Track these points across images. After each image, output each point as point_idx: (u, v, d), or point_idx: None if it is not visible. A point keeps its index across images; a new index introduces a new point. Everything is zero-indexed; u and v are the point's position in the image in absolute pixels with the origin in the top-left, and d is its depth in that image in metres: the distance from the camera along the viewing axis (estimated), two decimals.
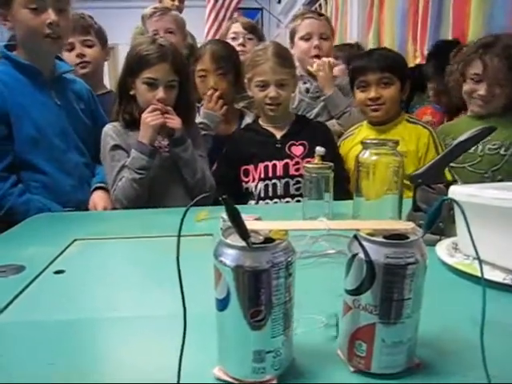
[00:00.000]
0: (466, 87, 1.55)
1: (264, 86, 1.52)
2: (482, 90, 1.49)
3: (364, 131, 1.63)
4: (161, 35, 2.05)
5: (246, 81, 1.61)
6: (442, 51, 1.93)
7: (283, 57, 1.54)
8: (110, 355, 0.59)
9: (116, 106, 1.49)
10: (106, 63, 2.08)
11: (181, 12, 2.81)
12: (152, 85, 1.41)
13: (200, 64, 1.78)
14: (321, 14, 2.10)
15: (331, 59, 1.89)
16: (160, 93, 1.41)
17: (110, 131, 1.47)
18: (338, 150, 1.63)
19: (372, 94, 1.54)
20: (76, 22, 1.80)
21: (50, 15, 1.34)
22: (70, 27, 1.53)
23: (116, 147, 1.45)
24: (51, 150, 1.41)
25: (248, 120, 1.79)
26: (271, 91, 1.51)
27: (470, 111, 1.60)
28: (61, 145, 1.44)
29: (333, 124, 1.81)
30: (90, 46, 1.87)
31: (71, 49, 1.83)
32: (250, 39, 2.27)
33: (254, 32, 2.32)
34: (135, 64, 1.43)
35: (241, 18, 2.52)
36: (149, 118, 1.38)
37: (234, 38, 2.26)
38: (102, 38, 1.94)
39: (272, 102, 1.52)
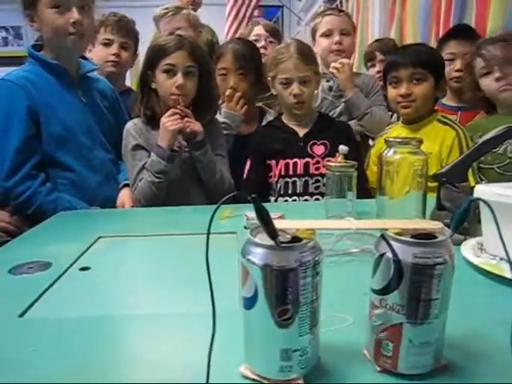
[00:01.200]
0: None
1: (287, 83, 1.52)
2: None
3: (396, 130, 1.61)
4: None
5: (269, 79, 1.60)
6: None
7: (306, 54, 1.53)
8: (137, 353, 0.59)
9: (138, 101, 1.51)
10: None
11: (198, 7, 2.83)
12: (170, 72, 1.43)
13: (221, 63, 1.79)
14: (341, 11, 2.11)
15: (349, 61, 1.87)
16: (179, 79, 1.42)
17: (132, 130, 1.49)
18: (359, 152, 1.62)
19: (403, 90, 1.51)
20: (122, 24, 1.86)
21: (74, 14, 1.37)
22: (94, 25, 1.56)
23: (137, 147, 1.47)
24: (78, 147, 1.44)
25: (269, 118, 1.79)
26: (295, 88, 1.51)
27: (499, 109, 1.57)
28: (87, 142, 1.47)
29: (355, 124, 1.80)
30: (125, 49, 1.91)
31: (107, 44, 1.86)
32: (271, 42, 2.29)
33: (276, 35, 2.35)
34: (154, 55, 1.46)
35: (263, 21, 2.53)
36: (168, 123, 1.39)
37: (256, 41, 2.27)
38: (136, 44, 1.99)
39: (296, 99, 1.52)
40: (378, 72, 2.15)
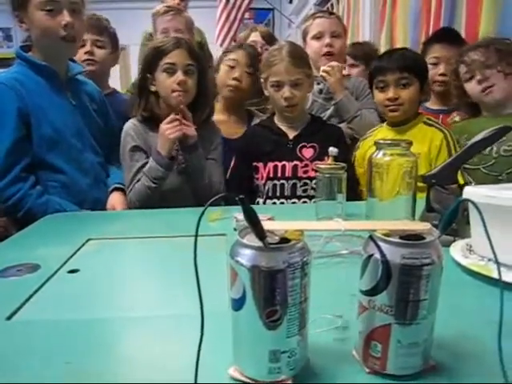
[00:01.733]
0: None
1: (279, 86, 1.52)
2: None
3: (382, 132, 1.63)
4: (171, 34, 2.08)
5: (262, 81, 1.61)
6: None
7: (298, 56, 1.53)
8: (125, 355, 0.59)
9: (136, 104, 1.52)
10: (117, 66, 2.09)
11: (185, 8, 2.88)
12: (170, 70, 1.44)
13: (233, 55, 1.83)
14: (332, 13, 2.10)
15: (338, 64, 1.87)
16: (180, 76, 1.44)
17: (131, 130, 1.50)
18: (349, 155, 1.63)
19: (390, 94, 1.53)
20: (92, 22, 1.83)
21: (65, 17, 1.36)
22: (84, 28, 1.56)
23: (135, 148, 1.48)
24: (68, 149, 1.43)
25: (257, 122, 1.79)
26: (286, 91, 1.50)
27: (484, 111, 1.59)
28: (77, 144, 1.46)
29: (345, 126, 1.81)
30: (100, 47, 1.89)
31: (82, 45, 1.85)
32: (266, 49, 2.29)
33: (272, 42, 2.36)
34: (152, 57, 1.47)
35: (260, 28, 2.57)
36: (168, 131, 1.40)
37: None
38: (113, 42, 1.96)
39: (287, 102, 1.52)
40: (348, 75, 2.13)
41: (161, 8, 2.17)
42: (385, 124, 1.65)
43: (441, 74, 1.84)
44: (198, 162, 1.48)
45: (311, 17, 2.03)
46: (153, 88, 1.49)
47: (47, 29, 1.37)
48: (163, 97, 1.49)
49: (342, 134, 1.65)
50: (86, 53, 1.85)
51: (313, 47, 1.95)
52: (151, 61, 1.47)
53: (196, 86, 1.50)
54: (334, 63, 1.85)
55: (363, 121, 1.80)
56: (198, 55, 1.52)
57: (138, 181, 1.45)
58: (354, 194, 1.34)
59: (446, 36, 1.91)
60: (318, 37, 1.93)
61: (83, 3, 1.44)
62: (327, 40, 1.91)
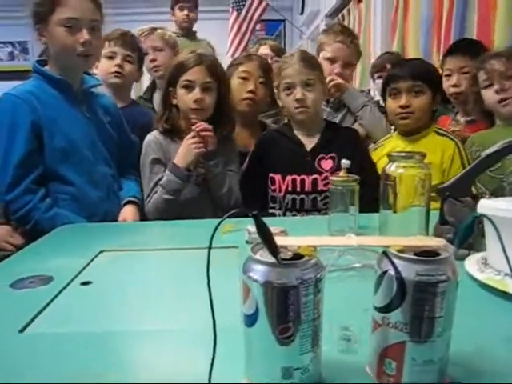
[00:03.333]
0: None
1: (290, 87, 1.51)
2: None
3: (393, 142, 1.63)
4: (150, 54, 2.18)
5: (275, 91, 1.61)
6: None
7: (309, 60, 1.53)
8: (136, 370, 0.58)
9: (158, 116, 1.58)
10: None
11: (193, 21, 2.99)
12: (189, 87, 1.49)
13: (244, 66, 1.83)
14: (353, 39, 2.02)
15: (341, 81, 1.89)
16: (197, 94, 1.48)
17: (152, 143, 1.54)
18: (368, 155, 1.61)
19: (402, 101, 1.54)
20: (127, 38, 1.89)
21: (84, 34, 1.39)
22: (101, 45, 1.60)
23: (156, 161, 1.52)
24: (81, 162, 1.44)
25: None
26: (297, 93, 1.49)
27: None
28: (90, 157, 1.47)
29: (356, 125, 1.82)
30: (129, 62, 1.92)
31: (111, 57, 1.88)
32: (276, 61, 2.32)
33: (282, 55, 2.37)
34: (175, 72, 1.52)
35: (269, 41, 2.61)
36: (193, 145, 1.44)
37: None
38: (140, 60, 2.00)
39: (299, 103, 1.50)
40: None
41: (136, 32, 2.21)
42: (395, 133, 1.65)
43: (453, 86, 1.83)
44: (218, 170, 1.51)
45: (333, 35, 1.97)
46: (174, 101, 1.53)
47: (65, 44, 1.40)
48: (182, 111, 1.53)
49: (357, 135, 1.64)
50: (115, 65, 1.88)
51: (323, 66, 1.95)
52: (173, 75, 1.52)
53: (215, 102, 1.53)
54: (336, 81, 1.87)
55: (372, 113, 1.81)
56: (219, 72, 1.55)
57: (155, 193, 1.48)
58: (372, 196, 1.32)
59: (458, 48, 1.91)
60: (332, 60, 1.93)
61: (102, 21, 1.48)
62: (338, 69, 1.92)
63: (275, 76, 1.59)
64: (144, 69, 2.13)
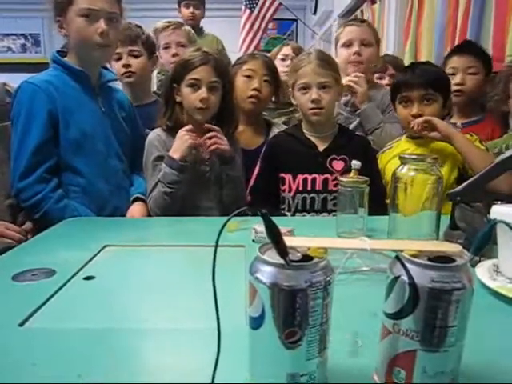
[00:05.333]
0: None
1: (306, 88, 1.49)
2: None
3: (403, 145, 1.60)
4: (172, 48, 2.16)
5: (290, 89, 1.58)
6: None
7: (326, 60, 1.50)
8: (137, 369, 0.57)
9: (161, 113, 1.56)
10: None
11: (199, 19, 3.04)
12: (195, 86, 1.47)
13: (249, 65, 1.82)
14: (363, 21, 2.07)
15: (362, 74, 1.85)
16: (203, 93, 1.46)
17: (155, 141, 1.53)
18: (377, 166, 1.59)
19: (414, 110, 1.51)
20: (123, 32, 1.84)
21: (101, 24, 1.40)
22: (119, 37, 1.59)
23: (159, 158, 1.50)
24: (94, 154, 1.45)
25: (276, 131, 1.78)
26: (313, 93, 1.47)
27: None
28: (103, 150, 1.48)
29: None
30: (136, 57, 1.90)
31: (119, 58, 1.88)
32: None
33: None
34: (180, 69, 1.50)
35: (292, 43, 2.73)
36: (187, 136, 1.43)
37: (283, 59, 2.52)
38: (149, 47, 1.96)
39: (314, 104, 1.48)
40: (387, 85, 2.12)
41: (161, 24, 2.21)
42: (404, 136, 1.63)
43: (457, 84, 1.82)
44: (234, 173, 1.51)
45: (342, 24, 2.03)
46: (178, 98, 1.52)
47: (84, 35, 1.41)
48: (187, 109, 1.52)
49: (369, 143, 1.63)
50: (123, 66, 1.88)
51: (342, 55, 1.93)
52: (178, 72, 1.50)
53: (220, 101, 1.52)
54: (360, 74, 1.83)
55: (384, 134, 1.77)
56: (224, 71, 1.54)
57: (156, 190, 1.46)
58: (380, 205, 1.31)
59: (464, 47, 1.90)
60: (348, 45, 1.91)
61: (121, 14, 1.49)
62: (355, 48, 1.89)
63: (290, 74, 1.57)
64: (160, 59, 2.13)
